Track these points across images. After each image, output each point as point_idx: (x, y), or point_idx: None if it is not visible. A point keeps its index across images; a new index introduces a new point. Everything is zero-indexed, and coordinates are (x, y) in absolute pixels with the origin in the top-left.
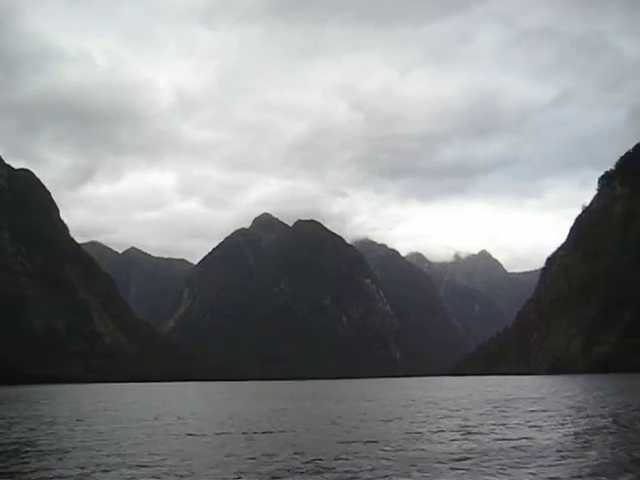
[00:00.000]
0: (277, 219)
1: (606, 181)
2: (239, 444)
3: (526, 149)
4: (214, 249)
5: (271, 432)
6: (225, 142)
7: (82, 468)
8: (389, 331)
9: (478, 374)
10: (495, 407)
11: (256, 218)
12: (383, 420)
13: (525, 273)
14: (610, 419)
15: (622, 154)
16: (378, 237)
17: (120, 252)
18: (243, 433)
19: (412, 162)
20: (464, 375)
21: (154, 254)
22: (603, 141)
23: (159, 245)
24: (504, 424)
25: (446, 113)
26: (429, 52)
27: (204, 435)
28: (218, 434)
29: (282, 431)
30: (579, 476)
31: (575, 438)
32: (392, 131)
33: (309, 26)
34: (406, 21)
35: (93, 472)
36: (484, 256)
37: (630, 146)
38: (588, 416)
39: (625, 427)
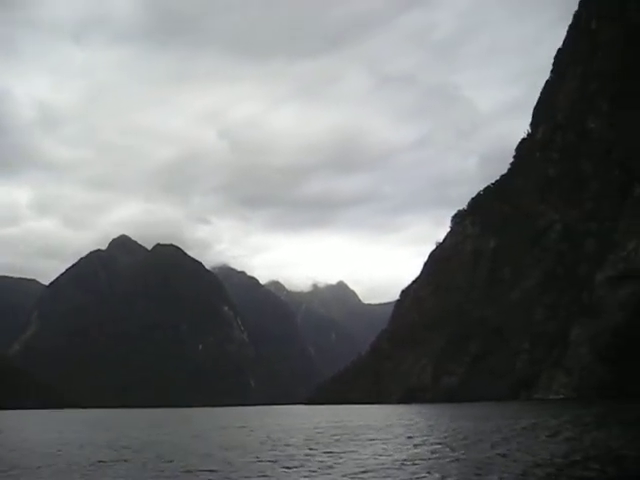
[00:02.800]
0: (135, 242)
1: (458, 220)
2: None
3: (386, 187)
4: (67, 269)
5: None
6: (88, 161)
7: None
8: (245, 359)
9: (333, 403)
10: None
11: (114, 239)
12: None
13: (380, 304)
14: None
15: (473, 195)
16: (239, 265)
17: None
18: None
19: (277, 193)
20: (319, 404)
21: (1, 272)
22: (456, 183)
23: (9, 263)
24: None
25: (312, 148)
26: (299, 88)
27: None
28: None
29: None
30: None
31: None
32: (258, 161)
33: (182, 52)
34: (278, 56)
35: None
36: (341, 286)
37: (480, 188)
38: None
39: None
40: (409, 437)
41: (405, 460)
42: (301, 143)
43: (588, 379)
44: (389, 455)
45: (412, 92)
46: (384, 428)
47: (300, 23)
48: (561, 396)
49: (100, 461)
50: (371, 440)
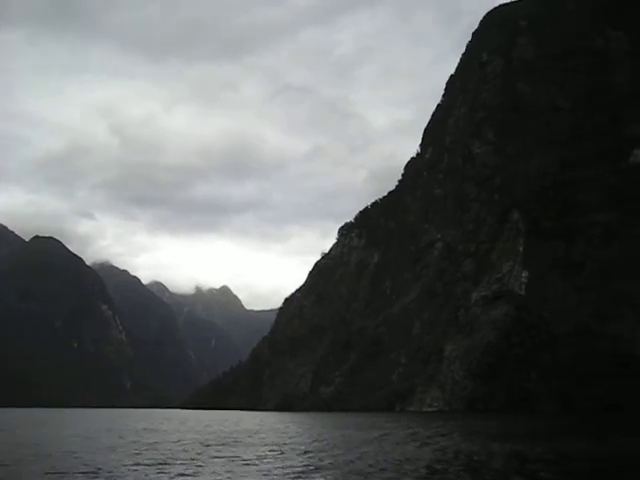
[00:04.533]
0: (13, 232)
1: (345, 232)
2: None
3: (276, 196)
4: None
5: None
6: None
7: None
8: (122, 360)
9: (210, 408)
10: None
11: None
12: None
13: (263, 311)
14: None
15: (361, 209)
16: (121, 263)
17: None
18: None
19: (166, 194)
20: (196, 408)
21: None
22: (345, 196)
23: None
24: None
25: (205, 151)
26: (195, 90)
27: None
28: None
29: None
30: None
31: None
32: (149, 160)
33: (78, 43)
34: (176, 57)
35: None
36: (225, 291)
37: (368, 203)
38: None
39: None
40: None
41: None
42: (194, 145)
43: (459, 394)
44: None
45: (308, 105)
46: (253, 435)
47: (200, 26)
48: (434, 409)
49: None
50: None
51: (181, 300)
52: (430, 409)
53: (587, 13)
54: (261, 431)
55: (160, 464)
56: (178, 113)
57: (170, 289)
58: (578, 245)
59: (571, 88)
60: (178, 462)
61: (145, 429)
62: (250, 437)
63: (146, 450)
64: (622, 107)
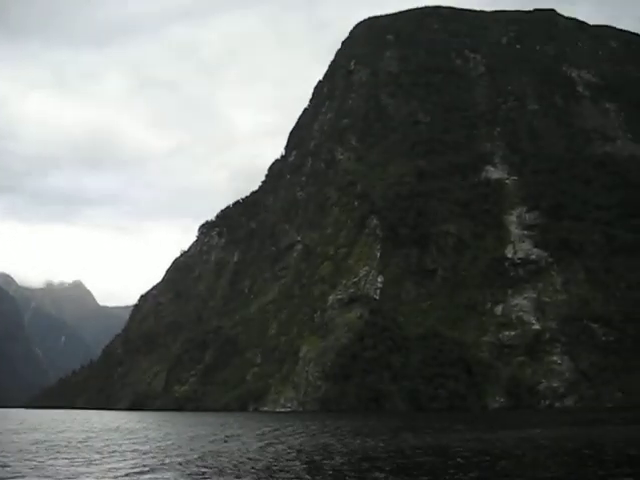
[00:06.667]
0: None
1: (205, 230)
2: None
3: (136, 191)
4: None
5: None
6: None
7: None
8: None
9: (59, 407)
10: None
11: None
12: None
13: (118, 308)
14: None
15: (223, 208)
16: None
17: None
18: None
19: (18, 181)
20: (43, 408)
21: None
22: (206, 195)
23: None
24: None
25: (63, 140)
26: (55, 77)
27: None
28: None
29: None
30: None
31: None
32: (0, 146)
33: None
34: (35, 40)
35: None
36: (78, 286)
37: (229, 202)
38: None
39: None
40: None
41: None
42: (51, 134)
43: (313, 394)
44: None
45: (172, 101)
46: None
47: (64, 11)
48: (288, 409)
49: None
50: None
51: (28, 294)
52: (284, 409)
53: (449, 34)
54: (103, 431)
55: None
56: (35, 98)
57: (18, 282)
58: (431, 253)
59: (431, 103)
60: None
61: None
62: (90, 438)
63: None
64: (477, 125)
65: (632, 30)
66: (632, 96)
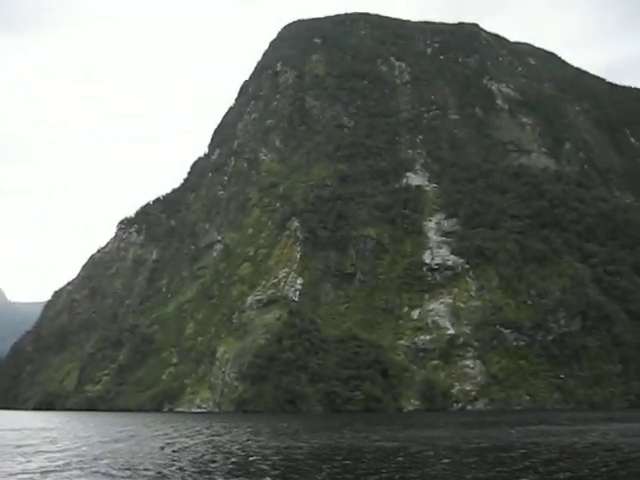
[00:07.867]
0: None
1: (124, 226)
2: None
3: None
4: None
5: None
6: None
7: None
8: None
9: None
10: None
11: None
12: None
13: (29, 304)
14: None
15: (143, 205)
16: None
17: None
18: None
19: None
20: None
21: None
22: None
23: None
24: None
25: None
26: None
27: None
28: None
29: None
30: None
31: None
32: None
33: None
34: None
35: None
36: None
37: (150, 200)
38: None
39: None
40: None
41: None
42: None
43: (229, 395)
44: None
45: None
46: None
47: None
48: (204, 410)
49: None
50: None
51: None
52: (199, 410)
53: (376, 41)
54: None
55: None
56: None
57: None
58: (350, 256)
59: (355, 108)
60: None
61: None
62: None
63: None
64: (400, 132)
65: (548, 49)
66: (547, 112)
